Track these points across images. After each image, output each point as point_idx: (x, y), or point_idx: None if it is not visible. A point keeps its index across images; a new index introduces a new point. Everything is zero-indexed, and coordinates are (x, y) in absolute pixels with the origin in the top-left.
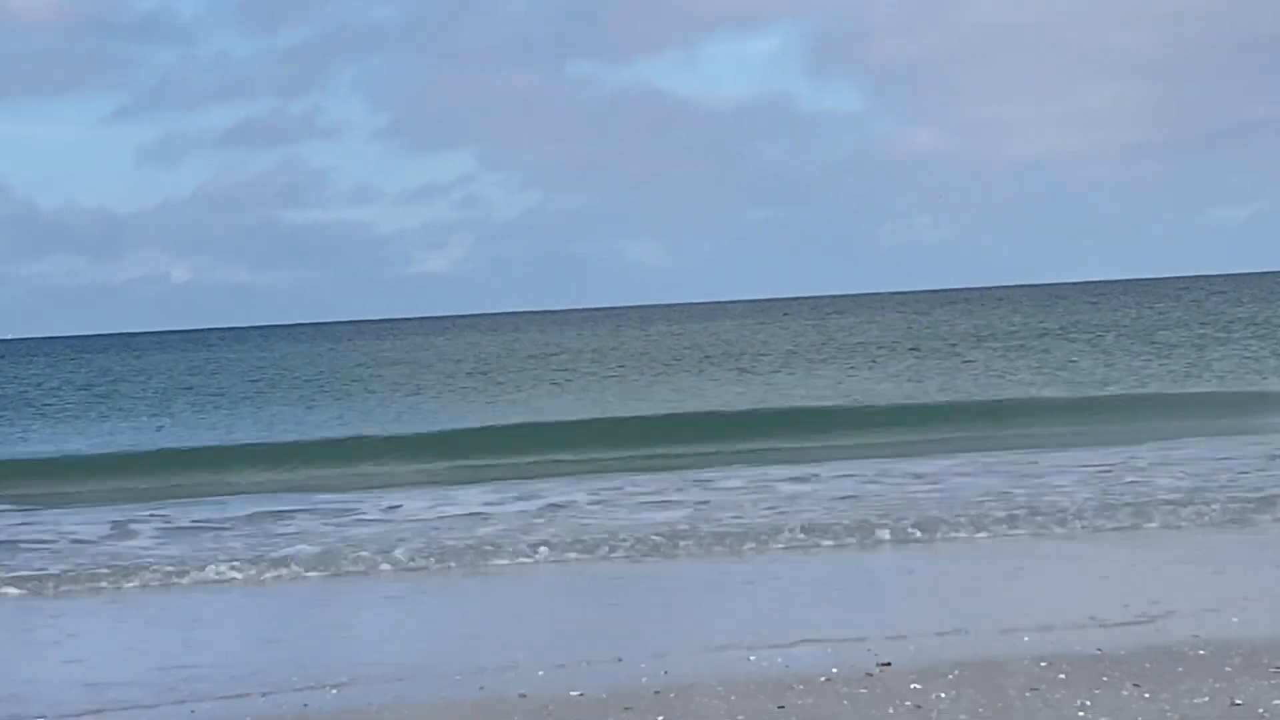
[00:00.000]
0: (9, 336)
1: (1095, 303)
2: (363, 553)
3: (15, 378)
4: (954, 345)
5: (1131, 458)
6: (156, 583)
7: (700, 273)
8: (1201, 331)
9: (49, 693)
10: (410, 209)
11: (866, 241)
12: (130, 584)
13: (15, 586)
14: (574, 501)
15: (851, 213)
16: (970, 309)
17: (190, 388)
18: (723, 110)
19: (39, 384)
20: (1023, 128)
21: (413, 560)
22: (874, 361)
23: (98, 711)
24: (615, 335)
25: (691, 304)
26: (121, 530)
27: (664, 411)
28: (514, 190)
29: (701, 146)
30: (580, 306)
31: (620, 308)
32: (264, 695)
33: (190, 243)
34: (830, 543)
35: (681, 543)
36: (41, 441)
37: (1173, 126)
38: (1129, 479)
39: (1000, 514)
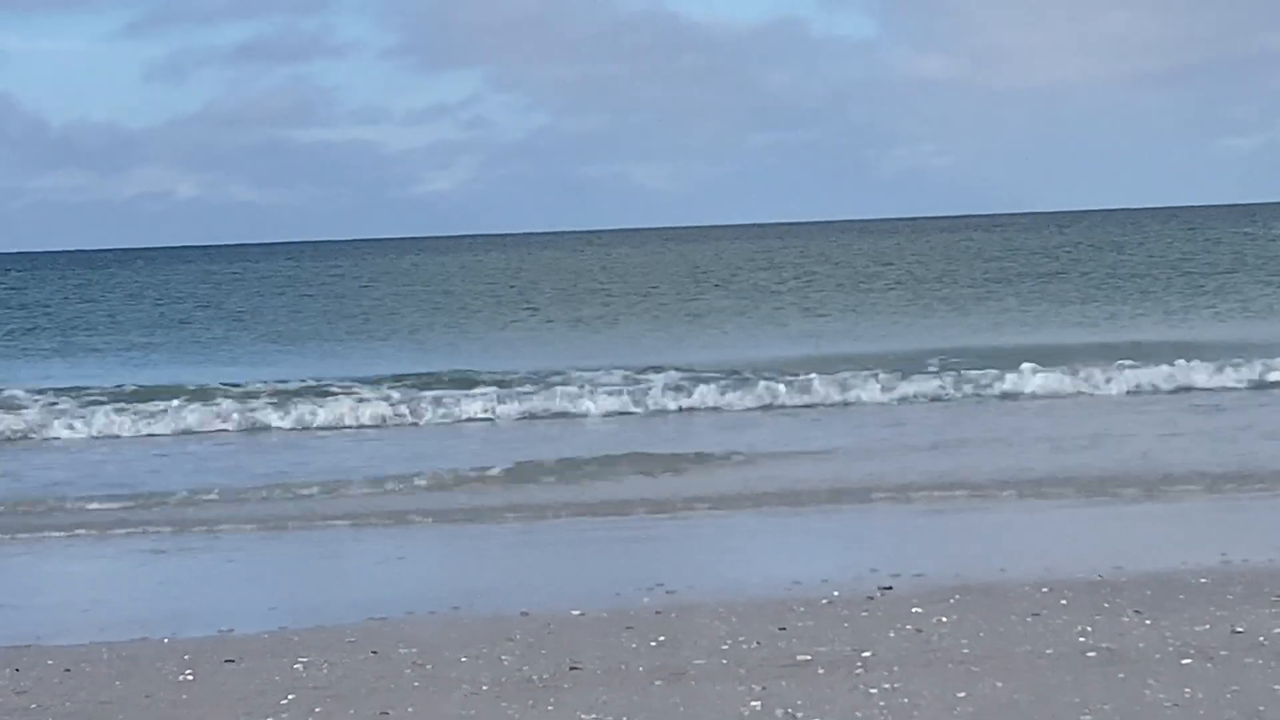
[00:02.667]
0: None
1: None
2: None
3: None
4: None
5: None
6: None
7: (706, 197)
8: None
9: None
10: (417, 129)
11: (872, 167)
12: None
13: None
14: None
15: (859, 139)
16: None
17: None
18: (734, 34)
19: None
20: (1031, 56)
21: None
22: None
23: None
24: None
25: (696, 227)
26: None
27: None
28: (521, 112)
29: (711, 70)
30: (585, 229)
31: (625, 230)
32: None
33: (197, 160)
34: None
35: None
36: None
37: (1182, 55)
38: None
39: None
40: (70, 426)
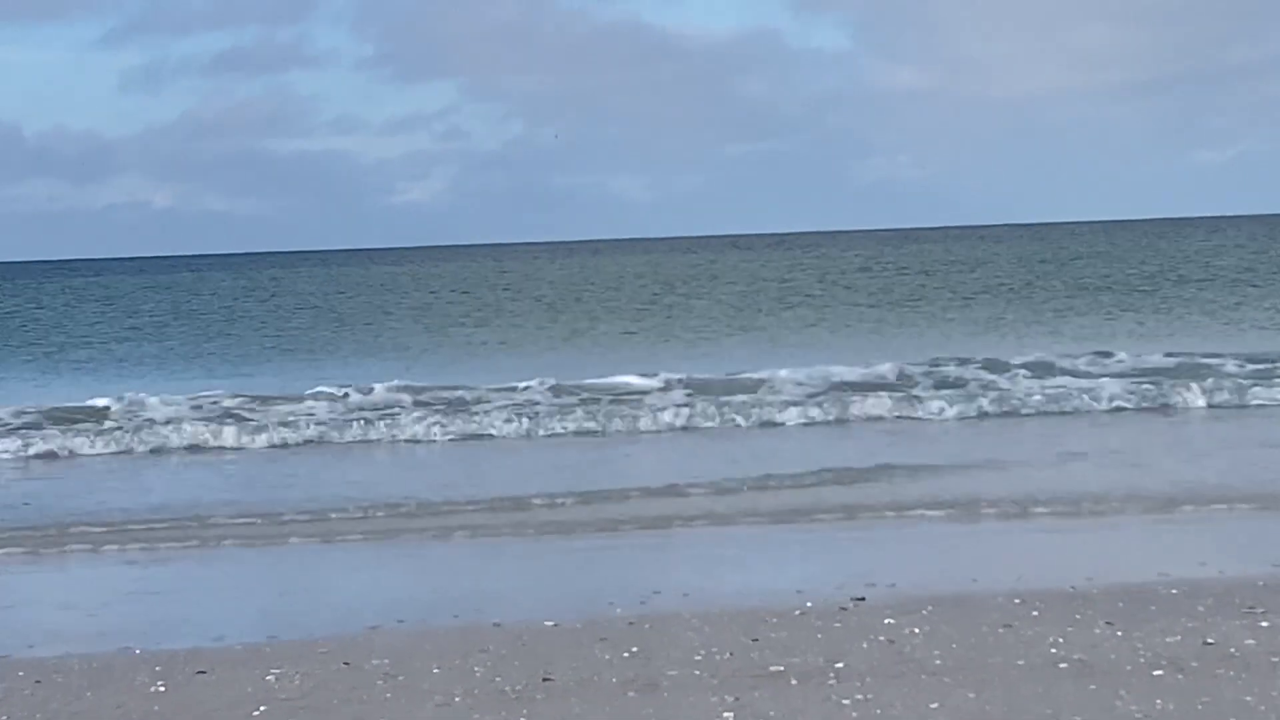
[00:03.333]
0: None
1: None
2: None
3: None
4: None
5: None
6: None
7: (682, 207)
8: None
9: None
10: (394, 139)
11: (848, 178)
12: None
13: None
14: None
15: (835, 149)
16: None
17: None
18: (710, 45)
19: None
20: (1007, 67)
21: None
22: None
23: None
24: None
25: (673, 238)
26: None
27: None
28: (497, 122)
29: (687, 81)
30: (561, 239)
31: (602, 241)
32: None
33: (173, 170)
34: None
35: None
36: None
37: (1156, 68)
38: None
39: None
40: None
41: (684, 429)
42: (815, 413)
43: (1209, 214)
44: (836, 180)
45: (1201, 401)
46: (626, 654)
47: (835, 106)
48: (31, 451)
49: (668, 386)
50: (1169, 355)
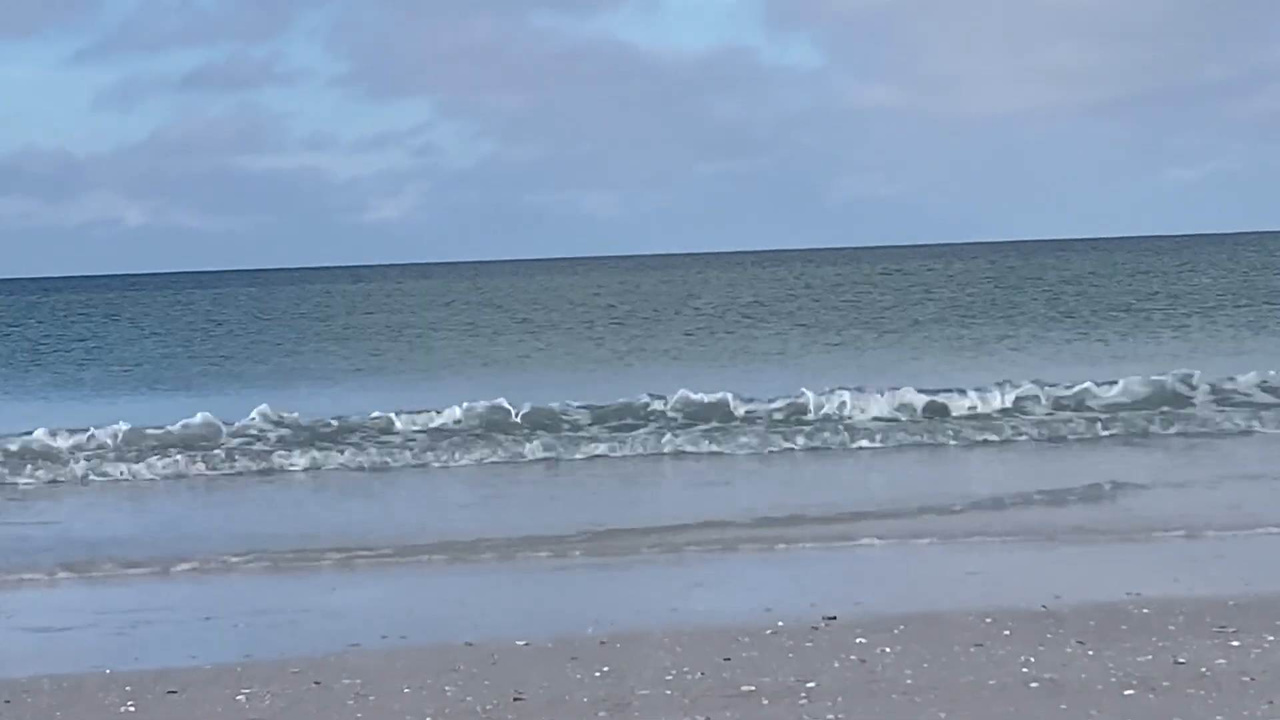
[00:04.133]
0: None
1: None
2: None
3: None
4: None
5: None
6: None
7: (655, 225)
8: None
9: None
10: (366, 157)
11: (820, 196)
12: None
13: None
14: None
15: (808, 167)
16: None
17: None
18: (683, 63)
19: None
20: (978, 86)
21: None
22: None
23: None
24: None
25: (645, 255)
26: None
27: None
28: (470, 140)
29: (661, 99)
30: (533, 257)
31: (575, 259)
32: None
33: (145, 187)
34: None
35: None
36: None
37: (1127, 86)
38: None
39: None
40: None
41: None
42: None
43: (1181, 232)
44: (809, 198)
45: None
46: (598, 673)
47: (808, 124)
48: None
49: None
50: None
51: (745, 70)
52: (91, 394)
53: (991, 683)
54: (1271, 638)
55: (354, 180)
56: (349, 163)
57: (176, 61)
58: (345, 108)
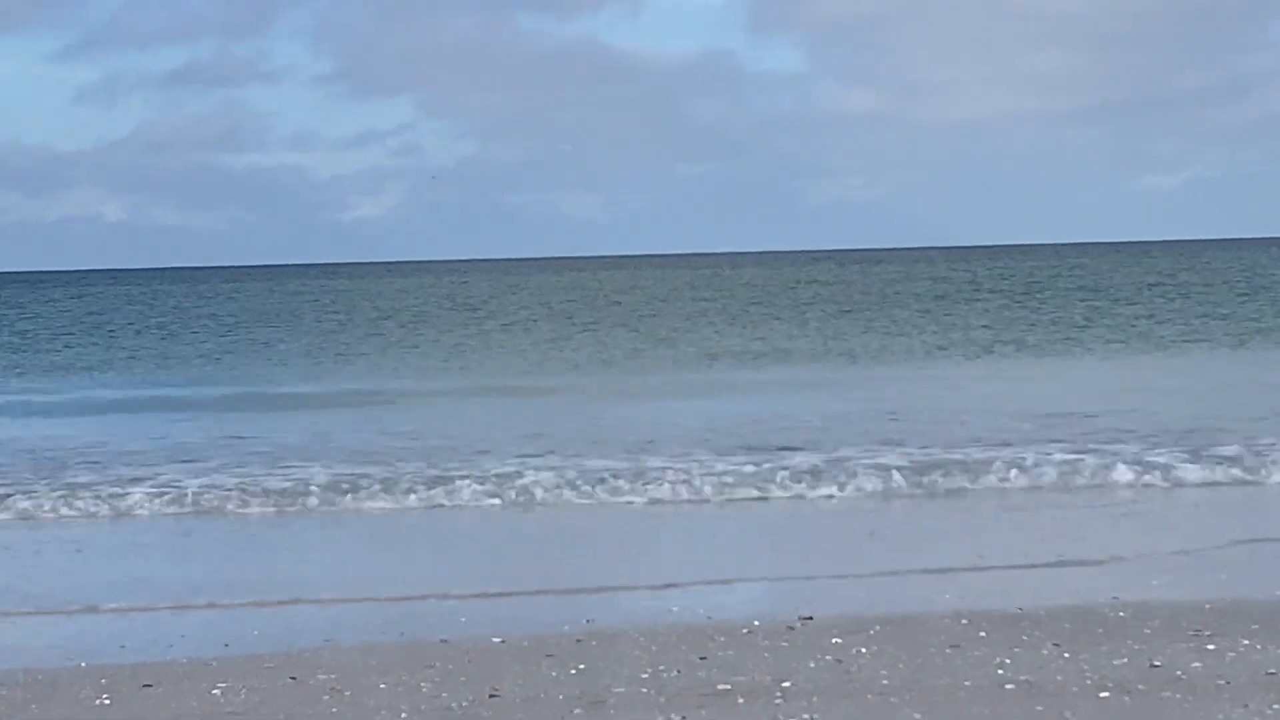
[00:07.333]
0: None
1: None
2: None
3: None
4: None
5: None
6: None
7: (635, 226)
8: None
9: None
10: (348, 155)
11: (801, 199)
12: None
13: None
14: None
15: (788, 170)
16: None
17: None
18: (665, 66)
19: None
20: (959, 91)
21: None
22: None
23: None
24: None
25: (625, 256)
26: None
27: None
28: (452, 139)
29: (642, 101)
30: (513, 256)
31: (554, 259)
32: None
33: (126, 183)
34: None
35: None
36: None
37: (1107, 92)
38: None
39: None
40: None
41: None
42: None
43: (1158, 238)
44: (789, 200)
45: None
46: (573, 671)
47: (789, 127)
48: None
49: None
50: None
51: (727, 73)
52: None
53: (967, 684)
54: (1247, 641)
55: (336, 178)
56: (331, 161)
57: (160, 58)
58: (328, 106)
